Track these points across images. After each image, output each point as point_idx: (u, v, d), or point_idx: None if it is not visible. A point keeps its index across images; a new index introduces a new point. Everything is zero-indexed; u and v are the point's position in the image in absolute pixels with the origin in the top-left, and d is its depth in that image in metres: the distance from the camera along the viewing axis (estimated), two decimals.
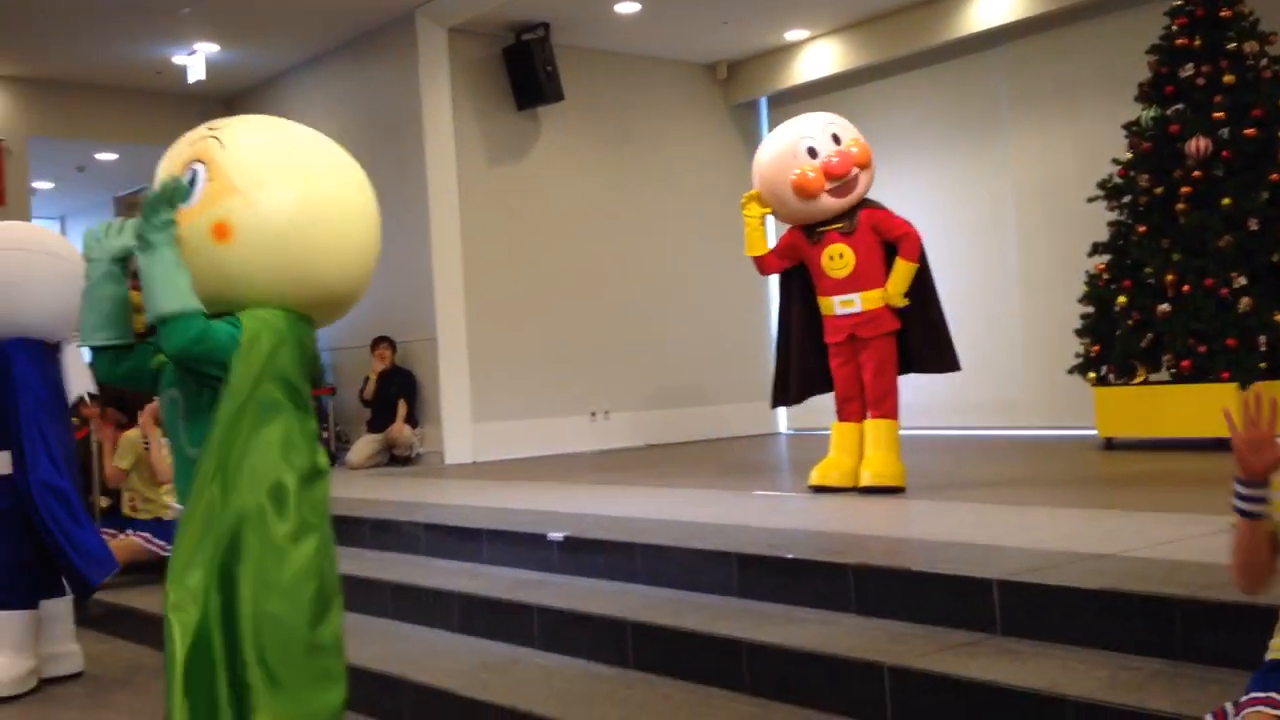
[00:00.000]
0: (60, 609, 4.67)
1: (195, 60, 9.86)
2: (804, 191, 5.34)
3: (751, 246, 5.66)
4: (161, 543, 5.98)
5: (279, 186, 2.30)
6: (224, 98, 11.05)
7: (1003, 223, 9.41)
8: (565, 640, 3.98)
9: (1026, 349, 9.20)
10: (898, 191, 7.94)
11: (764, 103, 11.08)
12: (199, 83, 10.07)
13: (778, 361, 5.80)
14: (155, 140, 11.52)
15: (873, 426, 5.42)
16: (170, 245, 2.21)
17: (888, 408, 5.42)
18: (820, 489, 5.50)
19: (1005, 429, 9.07)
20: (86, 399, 5.20)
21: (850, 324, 5.41)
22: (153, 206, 2.22)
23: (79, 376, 4.58)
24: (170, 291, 2.18)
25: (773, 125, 11.08)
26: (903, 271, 5.34)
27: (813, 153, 5.38)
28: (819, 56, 10.19)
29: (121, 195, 13.69)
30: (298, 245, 2.30)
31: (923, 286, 5.41)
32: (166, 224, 2.21)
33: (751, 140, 11.07)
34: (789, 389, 5.73)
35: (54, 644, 4.62)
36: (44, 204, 13.51)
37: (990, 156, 9.48)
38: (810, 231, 5.47)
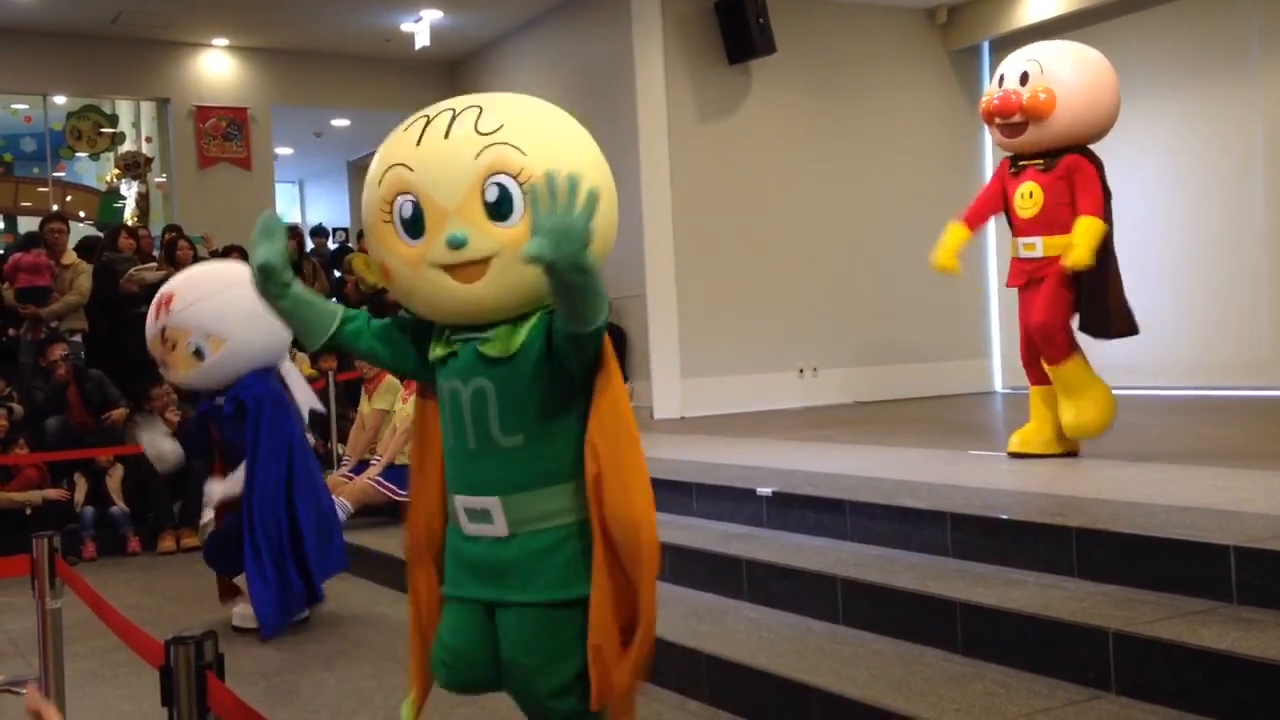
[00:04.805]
0: None
1: (421, 27, 10.30)
2: (982, 117, 5.23)
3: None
4: (393, 486, 6.32)
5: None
6: (447, 63, 11.46)
7: (1249, 168, 8.73)
8: (775, 594, 4.01)
9: (1275, 305, 8.54)
10: (1133, 138, 7.49)
11: (986, 47, 10.60)
12: (423, 49, 10.50)
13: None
14: (385, 107, 12.00)
15: (1054, 374, 4.93)
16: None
17: (1057, 353, 4.86)
18: (1019, 456, 5.19)
19: (1249, 389, 8.47)
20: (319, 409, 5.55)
21: (1030, 268, 5.00)
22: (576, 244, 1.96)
23: (302, 391, 4.96)
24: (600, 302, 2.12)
25: (995, 71, 10.66)
26: (1086, 228, 4.74)
27: (1003, 82, 5.13)
28: None
29: (354, 160, 14.42)
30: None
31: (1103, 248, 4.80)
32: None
33: (972, 88, 10.65)
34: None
35: None
36: (284, 169, 14.37)
37: (1237, 97, 8.79)
38: (1014, 162, 5.14)
